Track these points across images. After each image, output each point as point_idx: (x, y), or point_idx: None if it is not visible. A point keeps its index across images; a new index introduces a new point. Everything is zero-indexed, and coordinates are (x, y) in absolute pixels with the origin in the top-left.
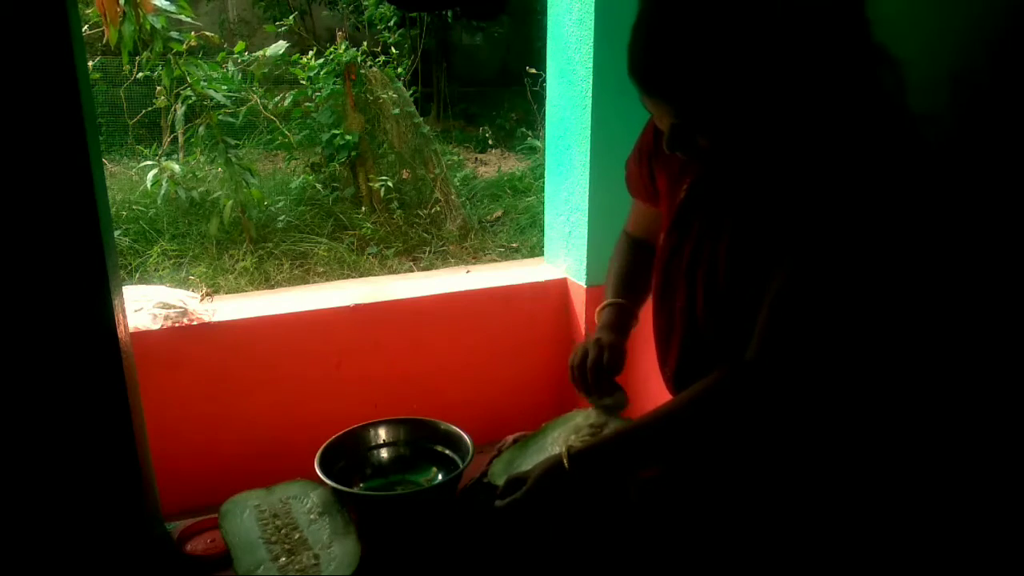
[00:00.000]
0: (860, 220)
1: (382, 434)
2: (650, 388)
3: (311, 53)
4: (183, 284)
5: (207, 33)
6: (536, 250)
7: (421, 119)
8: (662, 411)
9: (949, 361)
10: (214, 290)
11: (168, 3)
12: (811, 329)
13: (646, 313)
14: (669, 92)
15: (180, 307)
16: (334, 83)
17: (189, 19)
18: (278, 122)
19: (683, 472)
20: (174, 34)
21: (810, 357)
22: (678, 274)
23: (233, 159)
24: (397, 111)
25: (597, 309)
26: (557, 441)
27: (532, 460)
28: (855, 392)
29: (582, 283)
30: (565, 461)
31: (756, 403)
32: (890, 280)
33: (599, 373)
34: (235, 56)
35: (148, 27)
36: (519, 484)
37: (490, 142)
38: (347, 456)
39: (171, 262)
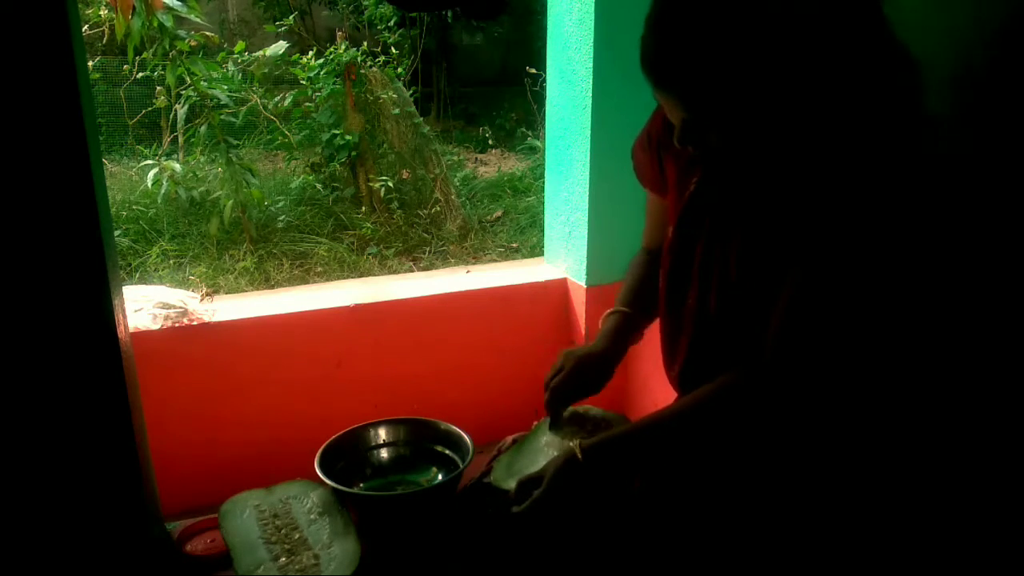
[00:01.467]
0: (875, 220)
1: (382, 434)
2: (650, 388)
3: (311, 53)
4: (183, 284)
5: (207, 33)
6: (536, 250)
7: (421, 119)
8: (677, 407)
9: (961, 362)
10: (214, 290)
11: (179, 2)
12: (826, 330)
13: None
14: (681, 86)
15: (180, 307)
16: (334, 83)
17: (197, 19)
18: (278, 122)
19: (690, 467)
20: (180, 32)
21: (826, 358)
22: (689, 272)
23: (233, 159)
24: (397, 111)
25: (602, 316)
26: (551, 442)
27: (529, 460)
28: (870, 393)
29: (582, 283)
30: (578, 453)
31: (771, 403)
32: (904, 280)
33: (551, 393)
34: (235, 56)
35: (156, 24)
36: (534, 485)
37: (490, 142)
38: (347, 456)
39: (171, 262)
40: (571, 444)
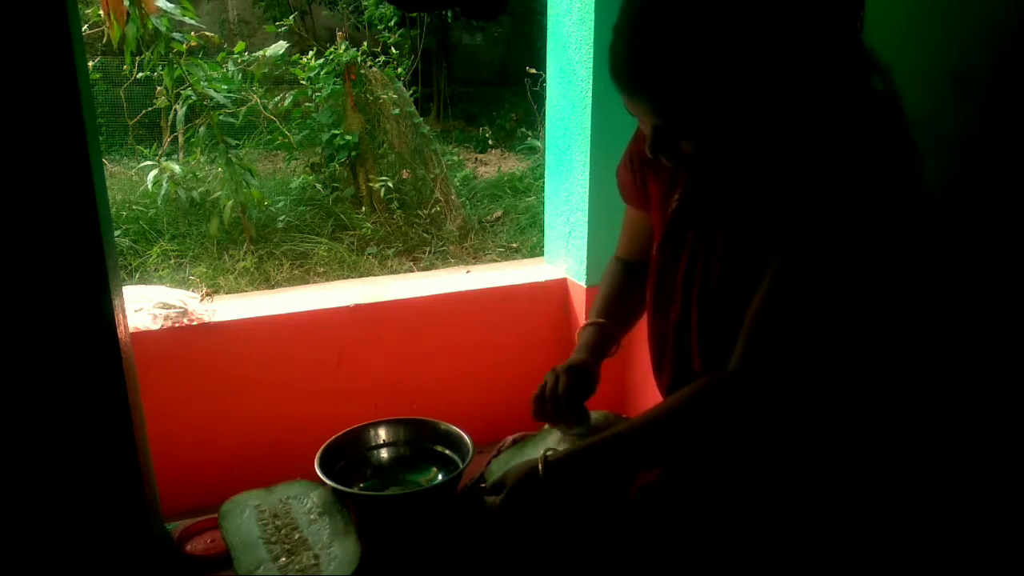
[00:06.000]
0: (845, 226)
1: (382, 434)
2: (648, 388)
3: (311, 53)
4: (183, 284)
5: (207, 33)
6: (536, 250)
7: (421, 119)
8: (644, 419)
9: (940, 363)
10: (214, 290)
11: (171, 5)
12: (794, 335)
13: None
14: (651, 89)
15: (180, 307)
16: (334, 83)
17: (192, 20)
18: (278, 122)
19: (682, 476)
20: (176, 35)
21: (794, 363)
22: (673, 287)
23: (233, 159)
24: (397, 111)
25: (578, 330)
26: (558, 443)
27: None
28: (845, 396)
29: (582, 283)
30: (540, 468)
31: (740, 410)
32: (876, 285)
33: (559, 401)
34: (235, 56)
35: (151, 27)
36: (500, 488)
37: (490, 142)
38: (347, 456)
39: (171, 262)
40: (537, 456)
